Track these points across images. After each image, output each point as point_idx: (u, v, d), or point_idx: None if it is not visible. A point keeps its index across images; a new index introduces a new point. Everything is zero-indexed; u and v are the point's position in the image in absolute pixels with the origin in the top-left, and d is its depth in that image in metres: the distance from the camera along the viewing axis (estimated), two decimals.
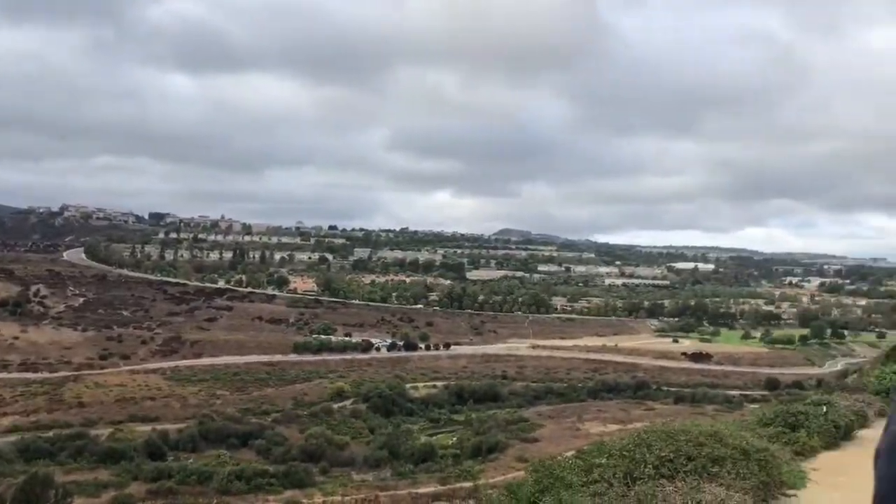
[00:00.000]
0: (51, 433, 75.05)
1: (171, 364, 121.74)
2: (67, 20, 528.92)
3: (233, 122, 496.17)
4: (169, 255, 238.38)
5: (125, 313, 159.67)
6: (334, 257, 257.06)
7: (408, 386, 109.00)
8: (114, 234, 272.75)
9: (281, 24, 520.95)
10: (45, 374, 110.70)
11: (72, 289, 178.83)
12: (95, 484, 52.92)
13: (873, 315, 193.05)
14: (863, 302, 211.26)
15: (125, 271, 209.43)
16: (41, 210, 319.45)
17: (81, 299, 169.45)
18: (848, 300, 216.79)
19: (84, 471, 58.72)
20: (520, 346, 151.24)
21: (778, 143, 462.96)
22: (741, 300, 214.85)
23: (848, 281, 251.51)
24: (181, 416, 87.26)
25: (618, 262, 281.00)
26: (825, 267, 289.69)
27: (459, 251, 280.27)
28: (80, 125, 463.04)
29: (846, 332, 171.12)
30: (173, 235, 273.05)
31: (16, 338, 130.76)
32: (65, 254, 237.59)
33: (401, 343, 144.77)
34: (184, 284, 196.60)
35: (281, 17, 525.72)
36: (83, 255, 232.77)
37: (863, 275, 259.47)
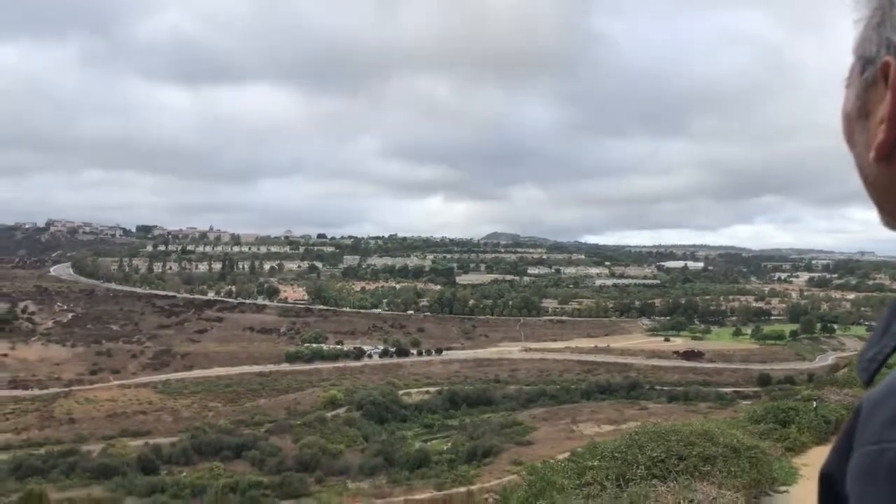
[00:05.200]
0: (42, 450, 74.63)
1: (162, 377, 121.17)
2: (57, 35, 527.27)
3: (223, 134, 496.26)
4: (157, 268, 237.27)
5: (114, 327, 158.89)
6: (324, 265, 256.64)
7: (401, 392, 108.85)
8: (101, 248, 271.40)
9: (273, 36, 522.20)
10: (36, 391, 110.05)
11: (60, 304, 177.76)
12: (89, 500, 52.44)
13: (862, 308, 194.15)
14: (851, 296, 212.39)
15: (113, 285, 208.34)
16: (27, 226, 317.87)
17: (70, 315, 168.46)
18: (837, 294, 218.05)
19: (77, 487, 58.29)
20: (512, 350, 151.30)
21: (765, 141, 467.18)
22: (731, 297, 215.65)
23: (836, 275, 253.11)
24: (173, 430, 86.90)
25: (608, 263, 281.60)
26: (813, 262, 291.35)
27: (448, 256, 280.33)
28: (69, 140, 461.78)
29: (836, 327, 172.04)
30: (161, 248, 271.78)
31: (4, 355, 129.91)
32: (52, 269, 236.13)
33: (392, 349, 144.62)
34: (173, 297, 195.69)
35: (273, 28, 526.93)
36: (70, 270, 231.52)
37: (850, 269, 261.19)
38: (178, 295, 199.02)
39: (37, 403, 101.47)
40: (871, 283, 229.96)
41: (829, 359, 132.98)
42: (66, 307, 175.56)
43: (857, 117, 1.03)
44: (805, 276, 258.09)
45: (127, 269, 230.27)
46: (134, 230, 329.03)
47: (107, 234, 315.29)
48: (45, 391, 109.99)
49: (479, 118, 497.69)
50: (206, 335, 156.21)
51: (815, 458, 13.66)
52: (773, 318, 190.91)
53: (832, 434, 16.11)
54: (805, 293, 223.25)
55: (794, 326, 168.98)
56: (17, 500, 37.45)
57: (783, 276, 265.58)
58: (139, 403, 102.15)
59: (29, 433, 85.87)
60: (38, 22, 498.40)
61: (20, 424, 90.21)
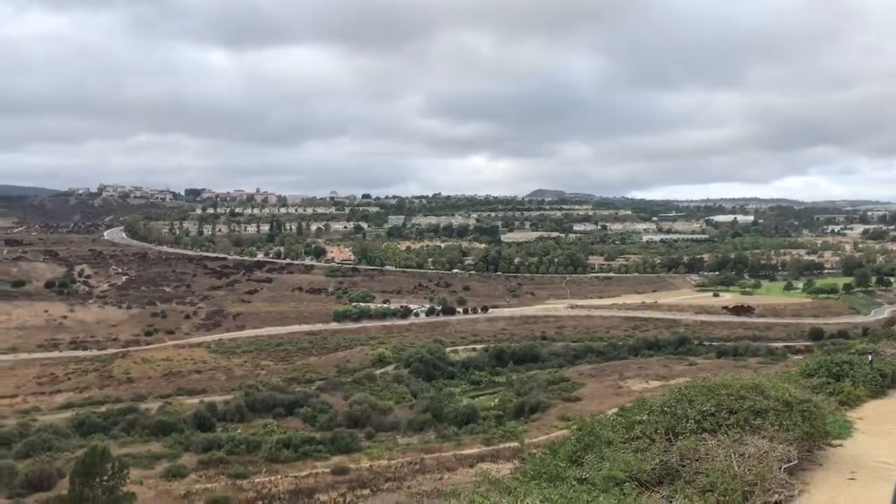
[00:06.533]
0: (103, 408, 77.22)
1: (215, 337, 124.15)
2: (107, 2, 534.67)
3: (269, 96, 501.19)
4: (207, 231, 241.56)
5: (167, 289, 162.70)
6: (369, 226, 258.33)
7: (448, 350, 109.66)
8: (151, 212, 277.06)
9: None
10: (95, 352, 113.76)
11: (114, 267, 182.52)
12: (149, 456, 54.37)
13: None
14: None
15: (165, 248, 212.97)
16: (80, 191, 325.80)
17: (124, 277, 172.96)
18: (893, 246, 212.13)
19: (137, 444, 60.35)
20: (558, 307, 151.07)
21: (821, 89, 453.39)
22: (782, 251, 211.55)
23: (893, 227, 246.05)
24: (227, 388, 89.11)
25: (655, 218, 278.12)
26: (868, 213, 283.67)
27: (493, 214, 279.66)
28: (119, 105, 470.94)
29: (892, 279, 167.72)
30: (210, 210, 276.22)
31: (64, 317, 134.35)
32: (105, 233, 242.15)
33: (439, 308, 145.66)
34: (223, 258, 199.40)
35: None
36: (123, 234, 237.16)
37: None
38: (229, 257, 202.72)
39: (96, 363, 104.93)
40: None
41: (885, 312, 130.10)
42: (120, 270, 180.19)
43: None
44: (860, 227, 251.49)
45: (177, 232, 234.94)
46: (183, 193, 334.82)
47: (157, 198, 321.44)
48: (103, 352, 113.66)
49: (523, 73, 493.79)
50: (257, 295, 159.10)
51: (871, 412, 13.41)
52: (825, 271, 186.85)
53: (888, 387, 15.77)
54: (860, 245, 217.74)
55: (848, 279, 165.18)
56: (82, 455, 39.02)
57: (836, 228, 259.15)
58: (194, 363, 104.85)
59: (90, 392, 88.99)
60: None
61: (82, 384, 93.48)
